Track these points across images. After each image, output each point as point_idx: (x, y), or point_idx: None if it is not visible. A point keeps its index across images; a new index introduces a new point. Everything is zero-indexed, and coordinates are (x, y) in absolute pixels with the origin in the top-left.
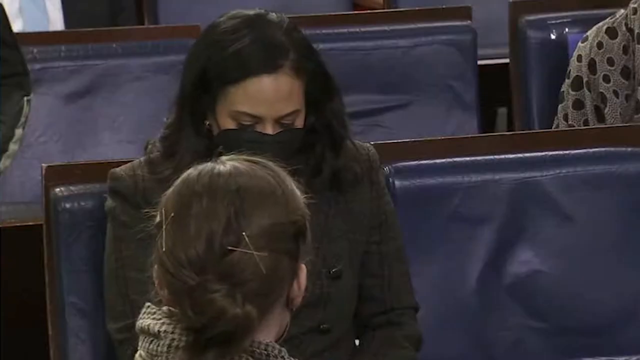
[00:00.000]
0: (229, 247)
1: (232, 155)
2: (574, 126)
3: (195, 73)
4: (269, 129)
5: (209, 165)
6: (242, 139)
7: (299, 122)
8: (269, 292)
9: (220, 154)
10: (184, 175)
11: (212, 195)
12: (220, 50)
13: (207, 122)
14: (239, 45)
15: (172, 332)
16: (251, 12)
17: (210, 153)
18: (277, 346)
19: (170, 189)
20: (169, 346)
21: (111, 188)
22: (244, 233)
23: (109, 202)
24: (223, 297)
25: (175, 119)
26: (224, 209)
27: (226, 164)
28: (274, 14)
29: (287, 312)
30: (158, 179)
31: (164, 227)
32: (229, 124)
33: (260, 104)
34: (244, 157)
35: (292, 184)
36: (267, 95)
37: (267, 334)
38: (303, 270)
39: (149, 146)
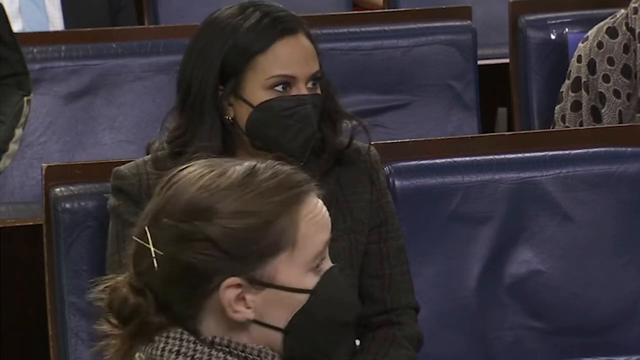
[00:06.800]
0: (134, 237)
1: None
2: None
3: (210, 65)
4: (304, 90)
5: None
6: (284, 105)
7: (319, 90)
8: (165, 292)
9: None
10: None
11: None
12: (234, 32)
13: (227, 117)
14: (253, 20)
15: (167, 337)
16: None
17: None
18: (258, 347)
19: None
20: (163, 349)
21: (115, 186)
22: (146, 228)
23: (112, 200)
24: (125, 282)
25: (183, 122)
26: (154, 204)
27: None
28: None
29: (248, 325)
30: (163, 175)
31: None
32: (262, 96)
33: (292, 64)
34: (206, 160)
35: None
36: (296, 54)
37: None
38: (229, 288)
39: (156, 143)
